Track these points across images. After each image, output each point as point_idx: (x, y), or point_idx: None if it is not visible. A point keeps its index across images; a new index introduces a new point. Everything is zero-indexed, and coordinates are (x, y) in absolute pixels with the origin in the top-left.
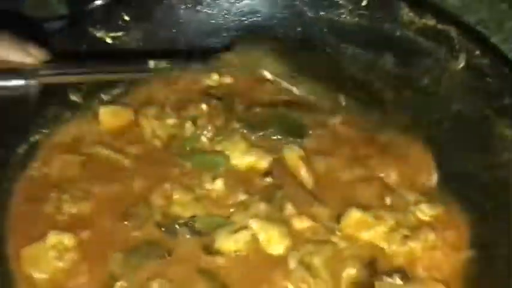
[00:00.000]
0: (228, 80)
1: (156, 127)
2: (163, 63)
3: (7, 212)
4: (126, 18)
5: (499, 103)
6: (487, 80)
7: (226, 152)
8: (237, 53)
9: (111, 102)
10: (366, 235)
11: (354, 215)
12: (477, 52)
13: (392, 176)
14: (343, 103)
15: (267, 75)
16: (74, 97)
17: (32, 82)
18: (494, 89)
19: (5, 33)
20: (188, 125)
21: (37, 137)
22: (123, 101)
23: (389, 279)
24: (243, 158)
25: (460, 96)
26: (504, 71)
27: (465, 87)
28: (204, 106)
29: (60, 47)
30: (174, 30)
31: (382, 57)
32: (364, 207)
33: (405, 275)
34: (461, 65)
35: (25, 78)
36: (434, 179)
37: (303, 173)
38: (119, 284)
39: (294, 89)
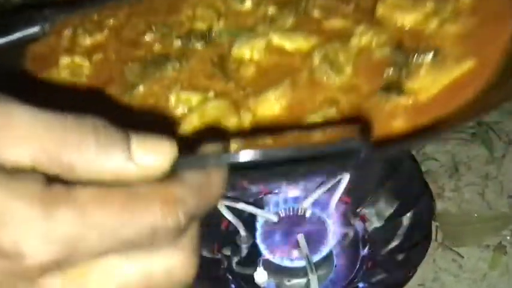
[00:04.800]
0: None
1: None
2: None
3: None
4: None
5: None
6: None
7: None
8: None
9: None
10: (400, 17)
11: None
12: None
13: None
14: None
15: None
16: None
17: (47, 27)
18: None
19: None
20: None
21: None
22: None
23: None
24: None
25: None
26: None
27: None
28: None
29: None
30: None
31: None
32: None
33: (439, 53)
34: None
35: (39, 24)
36: None
37: None
38: (138, 88)
39: None
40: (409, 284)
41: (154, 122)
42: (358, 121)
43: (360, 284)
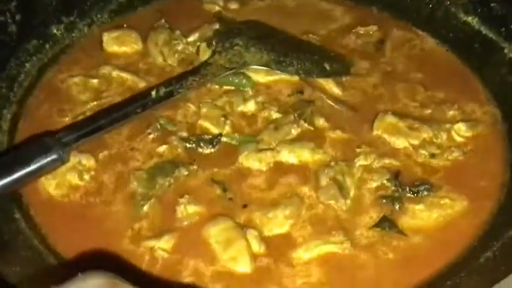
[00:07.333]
0: (234, 5)
1: (166, 54)
2: (162, 90)
3: None
4: None
5: None
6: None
7: (248, 73)
8: (219, 53)
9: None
10: (395, 141)
11: (388, 120)
12: None
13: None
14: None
15: (256, 67)
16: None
17: (63, 153)
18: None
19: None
20: (203, 46)
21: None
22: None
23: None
24: (268, 77)
25: None
26: None
27: None
28: (217, 26)
29: None
30: None
31: None
32: (401, 115)
33: (431, 188)
34: None
35: (56, 152)
36: None
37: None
38: (150, 202)
39: (285, 74)
40: None
41: None
42: None
43: None
